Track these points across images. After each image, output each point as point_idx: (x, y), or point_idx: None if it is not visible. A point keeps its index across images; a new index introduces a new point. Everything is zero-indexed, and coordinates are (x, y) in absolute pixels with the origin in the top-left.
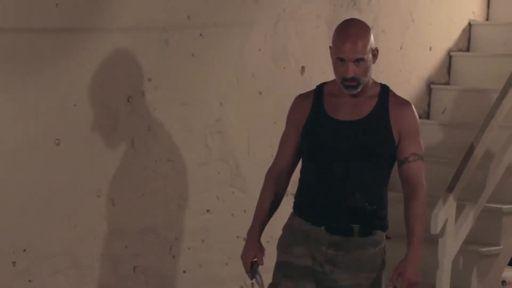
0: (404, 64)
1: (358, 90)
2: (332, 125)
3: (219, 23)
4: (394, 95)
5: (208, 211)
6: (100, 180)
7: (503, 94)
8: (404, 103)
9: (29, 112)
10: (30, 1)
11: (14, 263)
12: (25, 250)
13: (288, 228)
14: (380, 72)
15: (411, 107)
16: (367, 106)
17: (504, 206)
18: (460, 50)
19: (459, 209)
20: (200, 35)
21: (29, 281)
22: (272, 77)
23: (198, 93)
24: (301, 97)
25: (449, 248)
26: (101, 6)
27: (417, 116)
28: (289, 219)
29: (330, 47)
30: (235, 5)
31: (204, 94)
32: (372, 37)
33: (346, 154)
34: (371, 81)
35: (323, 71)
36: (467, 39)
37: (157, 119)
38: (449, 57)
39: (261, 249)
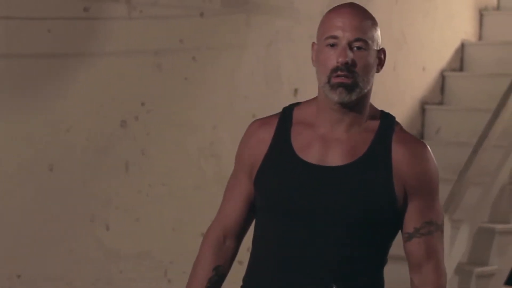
0: (397, 85)
1: (353, 98)
2: (300, 173)
3: (211, 47)
4: (401, 130)
5: (203, 234)
6: (94, 204)
7: (496, 113)
8: (416, 143)
9: (22, 137)
10: (22, 27)
11: None
12: (19, 276)
13: None
14: (374, 93)
15: (426, 149)
16: (358, 144)
17: (499, 226)
18: (453, 70)
19: (454, 229)
20: (193, 58)
21: None
22: (265, 100)
23: (192, 117)
24: (259, 124)
25: None
26: (93, 31)
27: (435, 163)
28: None
29: (313, 44)
30: (227, 28)
31: (197, 117)
32: (379, 31)
33: (324, 221)
34: (369, 103)
35: (317, 94)
36: (460, 59)
37: (151, 143)
38: (442, 77)
39: None
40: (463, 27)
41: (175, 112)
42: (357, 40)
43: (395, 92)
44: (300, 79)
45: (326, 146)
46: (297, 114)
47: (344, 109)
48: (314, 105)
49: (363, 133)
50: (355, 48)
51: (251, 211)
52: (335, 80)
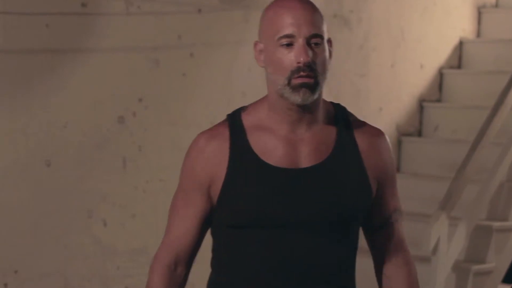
0: (395, 82)
1: (315, 97)
2: (273, 179)
3: (209, 43)
4: (356, 119)
5: None
6: (91, 200)
7: (494, 111)
8: (377, 133)
9: (19, 132)
10: (20, 22)
11: (5, 284)
12: (16, 271)
13: None
14: (371, 91)
15: (386, 138)
16: (323, 141)
17: (496, 223)
18: (451, 67)
19: (452, 227)
20: (191, 54)
21: None
22: (262, 96)
23: (189, 113)
24: (208, 137)
25: (442, 266)
26: (91, 26)
27: (392, 151)
28: None
29: (256, 43)
30: (225, 24)
31: (194, 113)
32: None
33: (310, 226)
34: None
35: None
36: (458, 56)
37: (148, 139)
38: (440, 74)
39: None
40: (461, 25)
41: (172, 108)
42: (314, 36)
43: (393, 90)
44: None
45: (292, 148)
46: (246, 119)
47: (302, 108)
48: (264, 108)
49: (325, 129)
50: (313, 45)
51: (204, 232)
52: (296, 81)
